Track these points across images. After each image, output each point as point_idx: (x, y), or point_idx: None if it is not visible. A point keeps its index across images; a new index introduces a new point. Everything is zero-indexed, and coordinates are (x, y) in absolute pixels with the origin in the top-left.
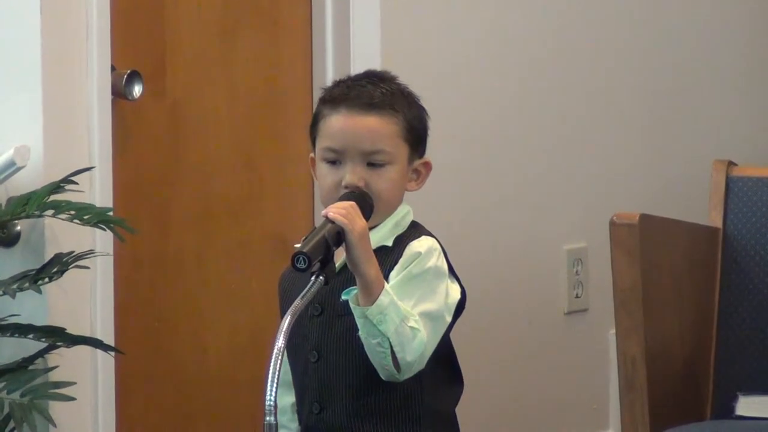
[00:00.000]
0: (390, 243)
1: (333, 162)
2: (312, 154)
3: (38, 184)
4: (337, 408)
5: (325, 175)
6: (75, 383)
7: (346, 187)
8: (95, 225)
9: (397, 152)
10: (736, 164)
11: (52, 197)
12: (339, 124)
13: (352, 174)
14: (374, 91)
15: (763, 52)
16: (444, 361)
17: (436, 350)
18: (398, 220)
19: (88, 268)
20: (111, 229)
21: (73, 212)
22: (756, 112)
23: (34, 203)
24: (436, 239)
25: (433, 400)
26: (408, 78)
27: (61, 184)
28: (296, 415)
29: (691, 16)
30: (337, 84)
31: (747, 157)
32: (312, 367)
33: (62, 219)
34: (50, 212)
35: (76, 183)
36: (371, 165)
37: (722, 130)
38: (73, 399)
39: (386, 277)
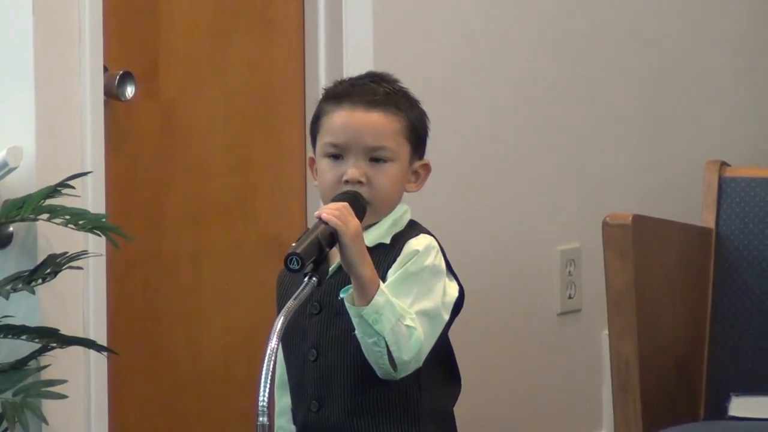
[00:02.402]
0: (388, 240)
1: (335, 157)
2: (311, 155)
3: (31, 185)
4: (335, 406)
5: (327, 171)
6: (66, 381)
7: (347, 182)
8: (90, 231)
9: (399, 150)
10: (728, 165)
11: (48, 201)
12: (342, 119)
13: (354, 169)
14: (377, 89)
15: (756, 53)
16: (442, 360)
17: (434, 349)
18: (396, 219)
19: (81, 269)
20: (106, 235)
21: (67, 217)
22: (749, 112)
23: (30, 207)
24: (435, 238)
25: (431, 399)
26: (401, 79)
27: (58, 188)
28: None
29: (685, 17)
30: (340, 82)
31: (740, 157)
32: (310, 365)
33: (57, 224)
34: (45, 216)
35: (73, 188)
36: (373, 161)
37: (715, 131)
38: (65, 397)
39: (384, 275)
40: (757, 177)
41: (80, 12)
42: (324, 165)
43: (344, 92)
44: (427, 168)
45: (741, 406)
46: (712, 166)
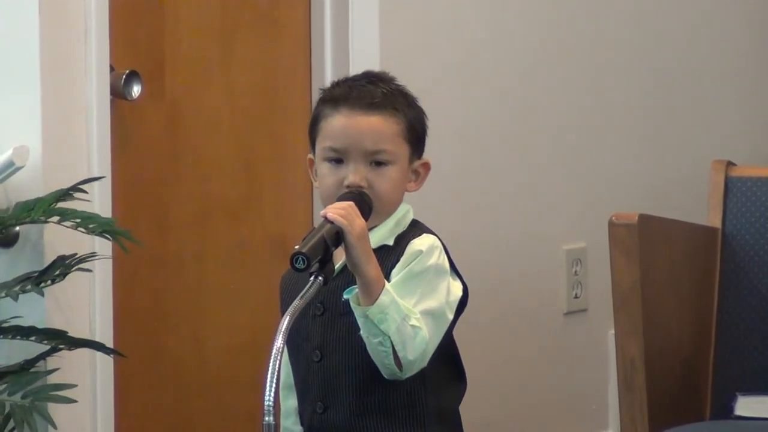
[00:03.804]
0: (391, 242)
1: (335, 161)
2: (310, 155)
3: (37, 185)
4: (340, 407)
5: (327, 175)
6: (76, 385)
7: (348, 187)
8: (100, 234)
9: (399, 152)
10: (735, 164)
11: (59, 203)
12: (341, 123)
13: (354, 173)
14: (375, 90)
15: (762, 52)
16: (447, 359)
17: (439, 348)
18: (399, 219)
19: (90, 271)
20: (116, 239)
21: (78, 220)
22: (755, 112)
23: (40, 209)
24: (438, 237)
25: (436, 399)
26: (407, 78)
27: (70, 192)
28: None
29: (690, 17)
30: (337, 84)
31: (746, 157)
32: (315, 366)
33: (67, 227)
34: (55, 219)
35: (86, 192)
36: (373, 164)
37: (721, 131)
38: (74, 401)
39: (388, 276)
40: (763, 177)
41: (86, 11)
42: (324, 169)
43: (342, 95)
44: (426, 167)
45: (747, 406)
46: (719, 165)
